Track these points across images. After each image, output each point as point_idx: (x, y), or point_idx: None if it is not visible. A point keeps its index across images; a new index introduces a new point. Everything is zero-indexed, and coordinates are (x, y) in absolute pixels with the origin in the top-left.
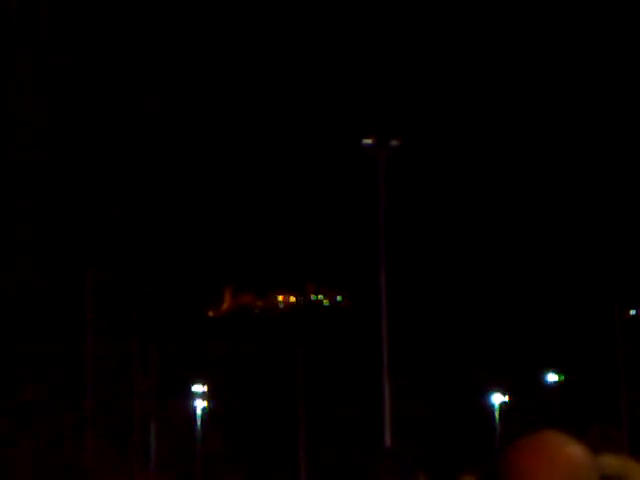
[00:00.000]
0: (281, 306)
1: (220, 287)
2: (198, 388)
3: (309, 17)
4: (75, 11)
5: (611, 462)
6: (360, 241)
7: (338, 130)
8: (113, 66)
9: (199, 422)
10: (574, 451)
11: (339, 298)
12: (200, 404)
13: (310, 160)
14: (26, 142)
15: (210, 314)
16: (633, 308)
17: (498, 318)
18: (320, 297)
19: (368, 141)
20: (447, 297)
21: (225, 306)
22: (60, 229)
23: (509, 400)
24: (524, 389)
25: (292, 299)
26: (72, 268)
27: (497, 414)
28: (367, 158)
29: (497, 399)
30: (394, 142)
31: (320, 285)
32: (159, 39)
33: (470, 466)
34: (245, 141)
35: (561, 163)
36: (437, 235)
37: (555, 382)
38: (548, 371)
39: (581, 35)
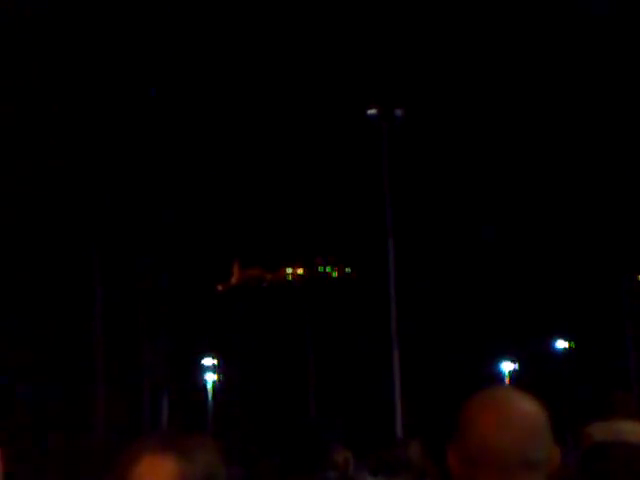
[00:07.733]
0: (289, 279)
1: (228, 261)
2: (208, 361)
3: None
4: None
5: (628, 427)
6: (366, 212)
7: (342, 100)
8: (109, 64)
9: (210, 395)
10: (531, 407)
11: (347, 269)
12: (210, 377)
13: (314, 131)
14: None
15: (219, 288)
16: None
17: (507, 286)
18: (328, 269)
19: (372, 111)
20: (455, 265)
21: (234, 280)
22: (65, 210)
23: (518, 367)
24: (533, 356)
25: (300, 271)
26: (79, 244)
27: (507, 382)
28: (371, 128)
29: (507, 367)
30: (398, 112)
31: (328, 257)
32: (146, 19)
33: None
34: (249, 114)
35: (566, 134)
36: (443, 204)
37: (564, 349)
38: (557, 338)
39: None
